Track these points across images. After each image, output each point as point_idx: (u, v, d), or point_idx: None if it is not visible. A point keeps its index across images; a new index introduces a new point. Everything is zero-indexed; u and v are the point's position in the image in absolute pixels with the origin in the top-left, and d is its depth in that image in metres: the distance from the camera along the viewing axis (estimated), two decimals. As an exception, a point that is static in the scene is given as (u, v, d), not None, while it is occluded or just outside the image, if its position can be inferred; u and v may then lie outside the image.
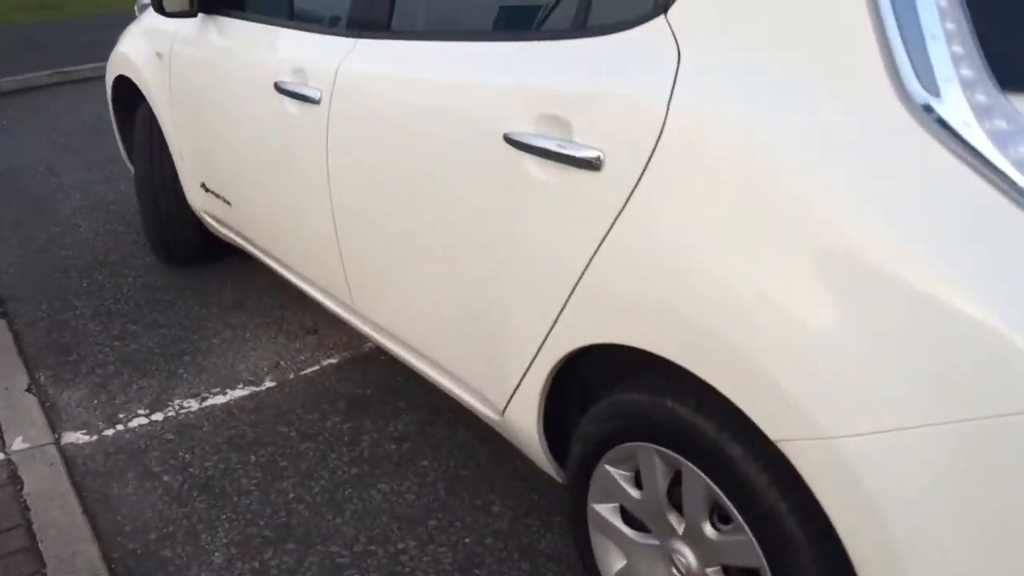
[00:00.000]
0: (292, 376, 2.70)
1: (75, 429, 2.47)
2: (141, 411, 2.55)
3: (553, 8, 1.58)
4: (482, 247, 1.66)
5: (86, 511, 2.13)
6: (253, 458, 2.32)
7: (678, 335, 1.29)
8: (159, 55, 2.92)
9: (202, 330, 2.99)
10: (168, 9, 2.55)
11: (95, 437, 2.44)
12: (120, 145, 3.62)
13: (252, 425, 2.45)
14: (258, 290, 3.27)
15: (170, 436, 2.42)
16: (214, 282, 3.35)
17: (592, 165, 1.38)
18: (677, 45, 1.31)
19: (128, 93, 3.33)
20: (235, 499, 2.17)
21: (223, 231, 2.98)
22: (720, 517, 1.40)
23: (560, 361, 1.56)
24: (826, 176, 1.11)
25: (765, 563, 1.29)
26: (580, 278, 1.44)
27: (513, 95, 1.55)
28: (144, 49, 3.03)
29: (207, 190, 2.88)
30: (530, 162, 1.50)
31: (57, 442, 2.41)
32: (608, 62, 1.40)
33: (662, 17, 1.34)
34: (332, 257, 2.21)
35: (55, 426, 2.49)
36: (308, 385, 2.65)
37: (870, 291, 1.07)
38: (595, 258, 1.40)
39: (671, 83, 1.29)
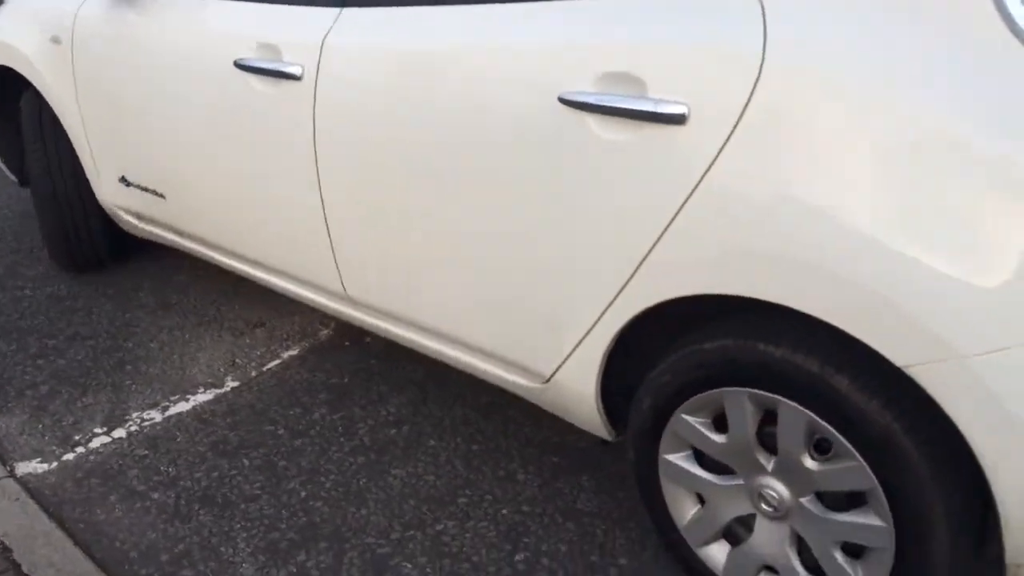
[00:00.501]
0: (255, 373, 2.56)
1: (28, 458, 2.23)
2: (98, 430, 2.33)
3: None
4: (532, 215, 1.63)
5: (77, 543, 1.94)
6: (247, 462, 2.18)
7: (790, 277, 1.33)
8: (55, 40, 2.63)
9: (134, 336, 2.77)
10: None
11: (54, 464, 2.21)
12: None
13: (232, 428, 2.31)
14: (180, 288, 3.05)
15: (143, 451, 2.24)
16: (127, 285, 3.09)
17: (677, 119, 1.39)
18: None
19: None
20: (243, 506, 2.04)
21: (147, 228, 2.75)
22: (816, 447, 1.47)
23: (633, 319, 1.57)
24: (941, 104, 1.18)
25: (877, 482, 1.37)
26: (664, 232, 1.45)
27: (564, 56, 1.52)
28: (33, 36, 2.72)
29: (128, 184, 2.65)
30: (595, 122, 1.49)
31: (12, 474, 2.17)
32: (681, 15, 1.40)
33: None
34: (318, 243, 2.10)
35: (3, 458, 2.23)
36: (277, 380, 2.52)
37: (995, 210, 1.15)
38: (682, 211, 1.42)
39: (761, 28, 1.31)
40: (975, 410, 1.22)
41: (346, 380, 2.50)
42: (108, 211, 2.85)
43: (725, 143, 1.35)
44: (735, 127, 1.34)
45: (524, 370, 1.84)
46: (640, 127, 1.44)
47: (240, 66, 2.06)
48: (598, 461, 2.13)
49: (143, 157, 2.53)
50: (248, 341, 2.72)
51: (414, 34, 1.77)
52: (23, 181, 3.35)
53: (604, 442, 2.10)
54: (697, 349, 1.52)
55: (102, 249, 3.04)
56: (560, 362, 1.73)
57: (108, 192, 2.75)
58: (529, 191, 1.62)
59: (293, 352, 2.66)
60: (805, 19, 1.29)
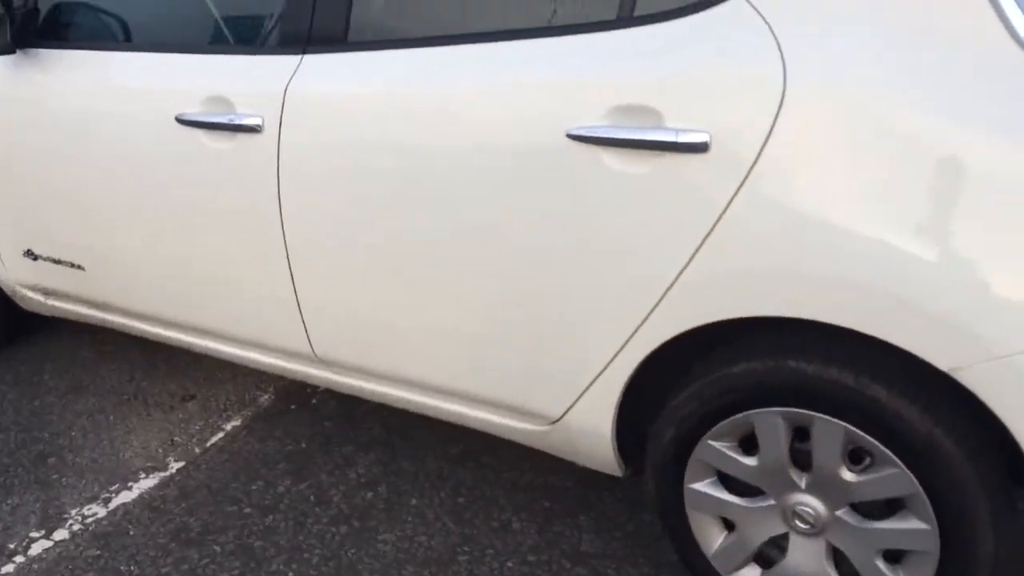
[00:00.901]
0: (199, 450, 2.37)
1: (-45, 577, 1.97)
2: (35, 533, 2.08)
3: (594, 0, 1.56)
4: (538, 257, 1.60)
5: (42, 666, 1.72)
6: (218, 548, 2.00)
7: (827, 294, 1.36)
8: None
9: (49, 425, 2.50)
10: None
11: (-11, 579, 1.96)
12: None
13: (190, 513, 2.12)
14: (89, 366, 2.80)
15: (94, 552, 2.02)
16: (28, 369, 2.80)
17: (699, 147, 1.39)
18: (764, 19, 1.36)
19: None
20: (225, 597, 1.87)
21: (56, 304, 2.51)
22: (850, 458, 1.50)
23: (654, 351, 1.56)
24: (964, 119, 1.24)
25: (920, 487, 1.41)
26: (690, 259, 1.45)
27: (570, 91, 1.51)
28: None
29: (35, 258, 2.41)
30: (608, 156, 1.48)
31: (-59, 599, 1.90)
32: (692, 45, 1.42)
33: None
34: (282, 303, 1.98)
35: (-75, 581, 1.96)
36: (227, 455, 2.34)
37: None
38: (710, 236, 1.42)
39: (778, 55, 1.34)
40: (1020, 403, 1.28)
41: (303, 446, 2.35)
42: (6, 290, 2.59)
43: (752, 167, 1.37)
44: (761, 151, 1.36)
45: (526, 414, 1.79)
46: (659, 158, 1.44)
47: (184, 121, 1.92)
48: (589, 500, 2.10)
49: (57, 227, 2.31)
50: (181, 416, 2.52)
51: (391, 77, 1.71)
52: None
53: (614, 478, 2.07)
54: (724, 375, 1.53)
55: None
56: (572, 402, 1.70)
57: (8, 268, 2.50)
58: (534, 231, 1.59)
59: (236, 423, 2.48)
60: (816, 40, 1.33)
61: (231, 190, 1.93)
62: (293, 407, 2.54)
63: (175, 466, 2.31)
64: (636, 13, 1.50)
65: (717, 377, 1.53)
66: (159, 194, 2.05)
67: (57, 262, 2.37)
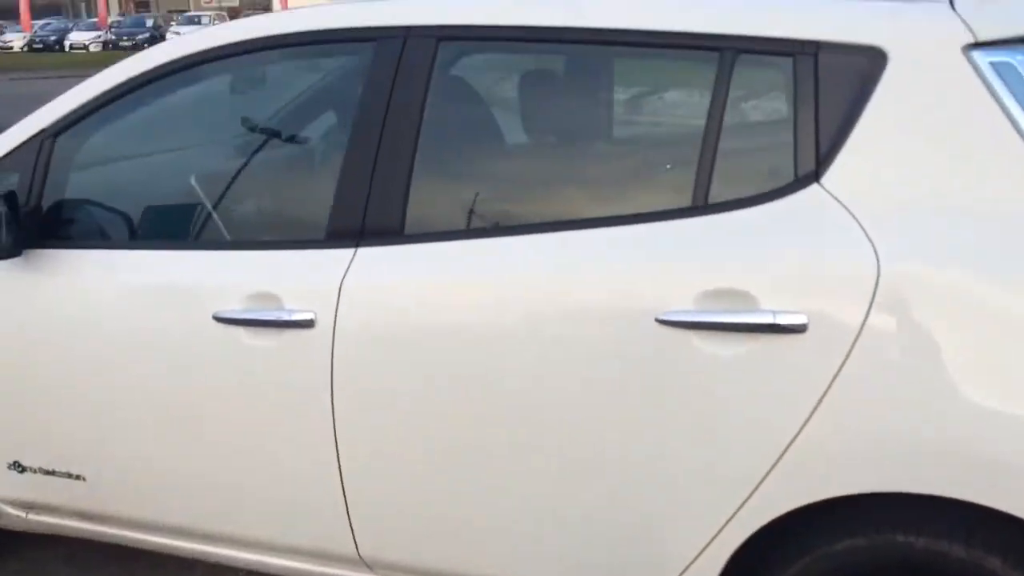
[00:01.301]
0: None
1: None
2: None
3: (663, 189, 1.63)
4: (625, 443, 1.58)
5: None
6: None
7: (934, 467, 1.38)
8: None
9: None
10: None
11: None
12: None
13: None
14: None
15: None
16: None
17: (796, 329, 1.43)
18: (845, 208, 1.45)
19: None
20: None
21: (40, 519, 2.29)
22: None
23: (756, 531, 1.53)
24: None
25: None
26: (793, 439, 1.46)
27: (655, 277, 1.55)
28: None
29: (22, 470, 2.21)
30: (699, 339, 1.50)
31: None
32: (776, 231, 1.48)
33: (816, 185, 1.48)
34: (326, 503, 1.87)
35: None
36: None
37: None
38: (812, 417, 1.44)
39: (865, 238, 1.42)
40: None
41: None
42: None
43: (852, 347, 1.41)
44: (860, 331, 1.41)
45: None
46: (755, 338, 1.47)
47: (223, 319, 1.85)
48: None
49: (54, 437, 2.14)
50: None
51: (454, 269, 1.71)
52: None
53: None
54: (825, 553, 1.51)
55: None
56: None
57: (-10, 484, 2.28)
58: (618, 420, 1.58)
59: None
60: (901, 225, 1.42)
61: (273, 387, 1.85)
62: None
63: None
64: (711, 201, 1.56)
65: (818, 557, 1.52)
66: (186, 396, 1.95)
67: (49, 473, 2.18)
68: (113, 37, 35.14)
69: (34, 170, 2.13)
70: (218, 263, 1.93)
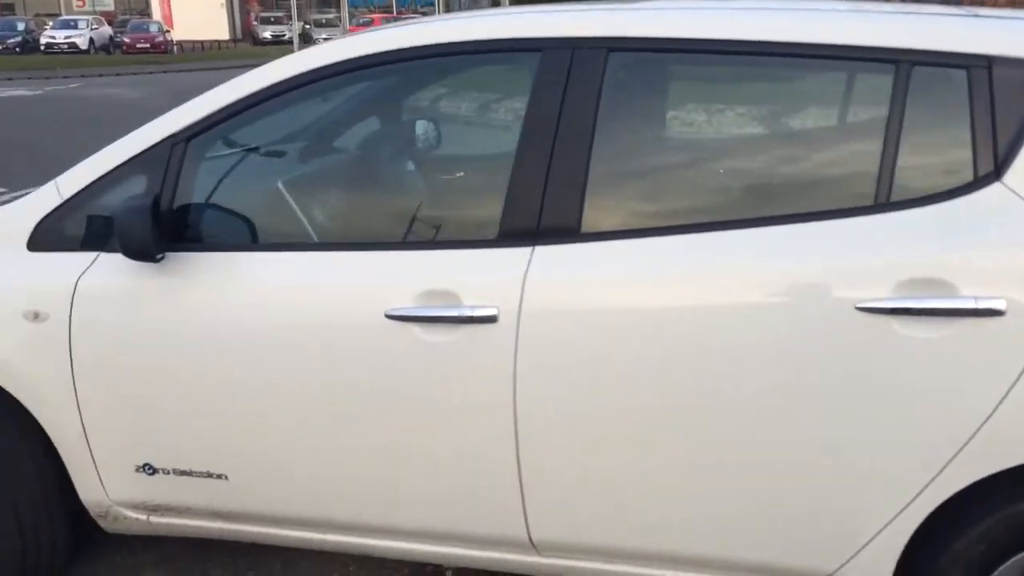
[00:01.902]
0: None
1: None
2: None
3: (845, 189, 1.76)
4: (826, 421, 1.71)
5: None
6: None
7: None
8: (37, 315, 2.16)
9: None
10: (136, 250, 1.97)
11: None
12: None
13: None
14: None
15: None
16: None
17: (996, 313, 1.59)
18: None
19: None
20: None
21: (164, 521, 2.27)
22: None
23: (951, 496, 1.69)
24: None
25: None
26: (994, 409, 1.62)
27: (852, 269, 1.68)
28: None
29: (153, 472, 2.19)
30: (899, 324, 1.65)
31: None
32: (969, 226, 1.64)
33: (998, 183, 1.65)
34: (499, 489, 1.94)
35: None
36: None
37: None
38: (1011, 391, 1.60)
39: None
40: None
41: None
42: (96, 511, 2.31)
43: (1045, 328, 1.58)
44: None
45: (787, 574, 1.84)
46: (953, 322, 1.62)
47: (396, 317, 1.90)
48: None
49: (191, 439, 2.13)
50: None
51: (637, 266, 1.80)
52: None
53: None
54: (1016, 511, 1.68)
55: (59, 564, 2.42)
56: (851, 555, 1.77)
57: (113, 487, 2.24)
58: (819, 396, 1.71)
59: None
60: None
61: (448, 381, 1.91)
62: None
63: None
64: (893, 199, 1.71)
65: (1008, 515, 1.68)
66: (351, 392, 1.98)
67: (186, 474, 2.17)
68: (-19, 42, 33.23)
69: (165, 174, 2.11)
70: (387, 262, 1.96)
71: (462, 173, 2.13)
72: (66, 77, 22.90)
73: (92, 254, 2.16)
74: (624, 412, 1.83)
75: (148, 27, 34.43)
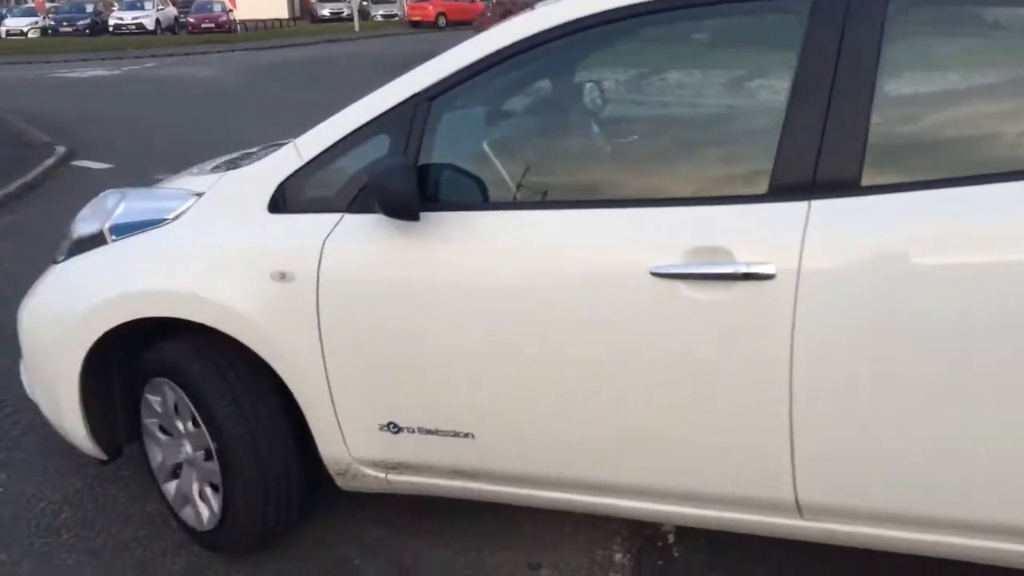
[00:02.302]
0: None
1: None
2: None
3: None
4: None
5: None
6: None
7: None
8: (283, 276, 2.20)
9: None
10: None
11: None
12: (84, 426, 2.56)
13: None
14: (406, 546, 2.56)
15: None
16: (329, 555, 2.53)
17: None
18: None
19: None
20: None
21: (403, 479, 2.31)
22: None
23: None
24: None
25: None
26: None
27: None
28: (233, 276, 2.24)
29: (397, 431, 2.23)
30: None
31: None
32: None
33: None
34: (766, 450, 1.92)
35: None
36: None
37: None
38: None
39: None
40: None
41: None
42: (336, 469, 2.36)
43: None
44: None
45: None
46: None
47: (662, 274, 1.88)
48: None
49: (440, 397, 2.16)
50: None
51: (921, 221, 1.75)
52: (113, 455, 2.68)
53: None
54: None
55: (294, 518, 2.49)
56: None
57: (355, 445, 2.29)
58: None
59: (610, 586, 2.33)
60: None
61: (718, 338, 1.89)
62: (660, 563, 2.42)
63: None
64: None
65: None
66: (609, 350, 1.97)
67: (431, 432, 2.20)
68: (52, 23, 33.93)
69: (409, 133, 2.12)
70: (651, 219, 1.94)
71: (726, 125, 2.08)
72: (138, 57, 23.39)
73: (336, 215, 2.19)
74: (910, 374, 1.78)
75: (212, 7, 34.82)
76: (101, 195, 2.69)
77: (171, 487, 2.62)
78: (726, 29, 2.10)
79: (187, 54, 24.26)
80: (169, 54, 24.25)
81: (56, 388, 2.53)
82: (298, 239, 2.20)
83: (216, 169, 2.71)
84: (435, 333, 2.11)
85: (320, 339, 2.20)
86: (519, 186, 2.11)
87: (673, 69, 2.22)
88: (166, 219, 2.41)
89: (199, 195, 2.40)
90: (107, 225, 2.48)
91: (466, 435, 2.18)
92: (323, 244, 2.17)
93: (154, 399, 2.54)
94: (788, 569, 2.34)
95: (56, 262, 2.67)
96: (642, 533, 2.55)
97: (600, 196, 2.04)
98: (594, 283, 1.97)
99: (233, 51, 25.00)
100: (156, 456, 2.63)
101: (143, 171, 8.22)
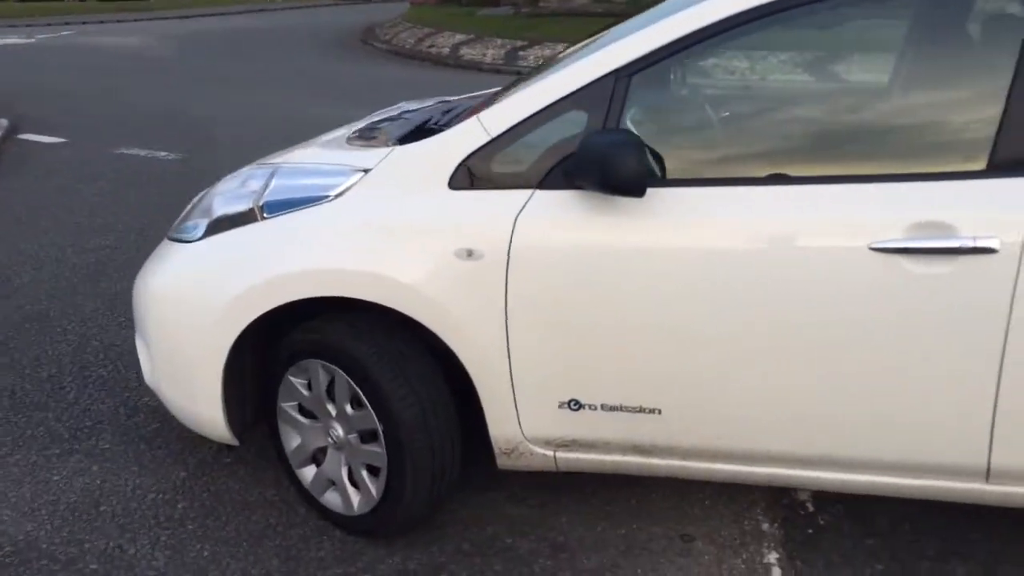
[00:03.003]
0: (778, 589, 2.26)
1: None
2: None
3: None
4: None
5: None
6: None
7: None
8: (470, 254, 2.16)
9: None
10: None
11: None
12: (223, 412, 2.46)
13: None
14: (556, 525, 2.56)
15: None
16: (478, 535, 2.51)
17: None
18: None
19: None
20: None
21: (579, 457, 2.30)
22: None
23: None
24: None
25: None
26: None
27: None
28: (410, 253, 2.19)
29: (578, 407, 2.22)
30: None
31: None
32: None
33: None
34: (972, 419, 2.00)
35: None
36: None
37: None
38: None
39: None
40: None
41: (880, 567, 2.32)
42: (504, 447, 2.34)
43: None
44: None
45: None
46: None
47: (882, 249, 1.93)
48: None
49: (635, 374, 2.16)
50: (703, 559, 2.39)
51: None
52: (242, 440, 2.59)
53: None
54: None
55: (445, 494, 2.47)
56: None
57: (529, 423, 2.27)
58: None
59: (770, 557, 2.39)
60: None
61: (936, 312, 1.95)
62: (809, 531, 2.49)
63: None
64: None
65: None
66: (828, 325, 2.01)
67: (614, 409, 2.20)
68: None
69: (608, 109, 2.11)
70: (869, 195, 1.98)
71: (946, 100, 2.11)
72: (50, 24, 22.22)
73: (526, 192, 2.16)
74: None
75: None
76: (240, 172, 2.58)
77: (307, 472, 2.55)
78: (945, 1, 2.13)
79: (102, 22, 23.14)
80: (83, 22, 23.06)
81: (194, 374, 2.43)
82: (486, 216, 2.16)
83: (351, 142, 2.63)
84: (635, 310, 2.11)
85: (505, 317, 2.17)
86: (722, 164, 2.12)
87: (891, 43, 2.24)
88: (327, 195, 2.32)
89: (364, 171, 2.32)
90: (260, 202, 2.38)
91: (652, 411, 2.19)
92: (515, 220, 2.13)
93: (298, 381, 2.45)
94: (930, 529, 2.44)
95: (176, 239, 2.54)
96: (779, 503, 2.62)
97: (813, 173, 2.06)
98: (813, 259, 2.00)
99: (151, 19, 23.98)
100: (291, 441, 2.55)
101: (103, 145, 7.87)
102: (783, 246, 2.01)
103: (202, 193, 2.74)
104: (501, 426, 2.30)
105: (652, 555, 2.41)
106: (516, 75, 12.30)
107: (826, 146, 2.16)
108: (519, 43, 14.89)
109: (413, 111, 3.11)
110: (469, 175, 2.20)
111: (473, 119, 2.24)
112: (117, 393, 3.35)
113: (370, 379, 2.27)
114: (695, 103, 2.21)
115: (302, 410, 2.51)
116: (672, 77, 2.18)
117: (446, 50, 15.31)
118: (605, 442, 2.27)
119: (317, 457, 2.53)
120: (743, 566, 2.35)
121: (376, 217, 2.25)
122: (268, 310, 2.29)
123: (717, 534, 2.49)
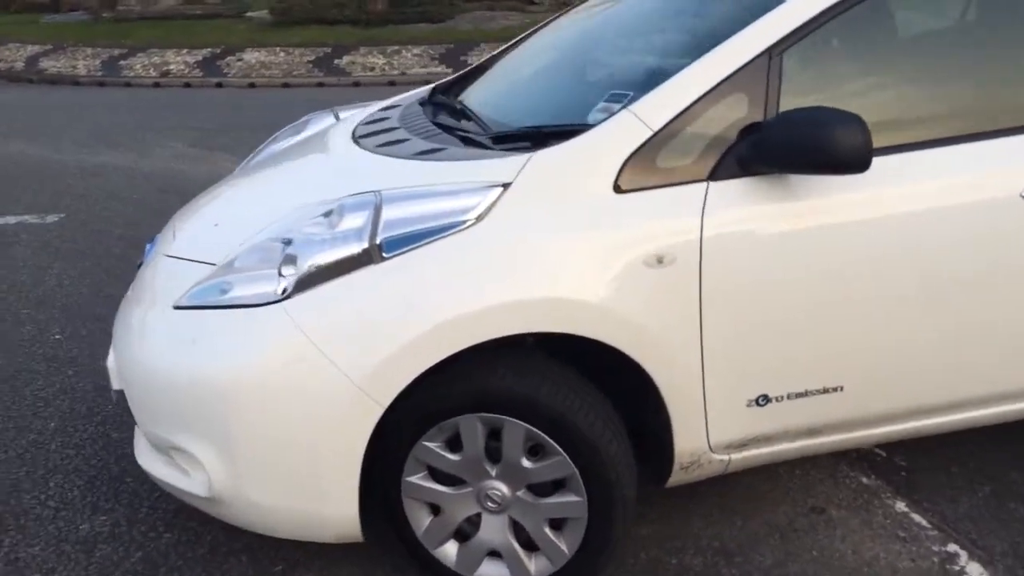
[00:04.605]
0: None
1: None
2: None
3: None
4: None
5: None
6: None
7: None
8: (660, 260, 1.96)
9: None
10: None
11: None
12: (356, 507, 2.00)
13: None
14: (738, 524, 2.42)
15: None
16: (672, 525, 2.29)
17: None
18: None
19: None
20: None
21: (753, 453, 2.21)
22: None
23: None
24: None
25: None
26: None
27: None
28: (594, 271, 1.93)
29: (766, 402, 2.14)
30: None
31: None
32: None
33: None
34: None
35: None
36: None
37: None
38: None
39: None
40: None
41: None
42: (686, 461, 2.15)
43: None
44: None
45: None
46: None
47: (1034, 195, 2.12)
48: None
49: (819, 356, 2.14)
50: (844, 530, 2.44)
51: None
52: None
53: None
54: None
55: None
56: None
57: (717, 430, 2.12)
58: None
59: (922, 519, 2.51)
60: None
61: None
62: (903, 474, 2.65)
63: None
64: None
65: None
66: (986, 272, 2.15)
67: (801, 395, 2.16)
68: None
69: (767, 88, 2.05)
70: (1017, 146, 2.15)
71: None
72: None
73: (699, 185, 2.01)
74: None
75: None
76: (313, 207, 2.06)
77: (449, 550, 2.15)
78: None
79: None
80: None
81: (320, 470, 1.94)
82: (670, 217, 1.99)
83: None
84: (830, 289, 2.08)
85: (700, 321, 2.02)
86: (886, 132, 2.12)
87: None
88: (465, 220, 1.96)
89: (504, 185, 1.99)
90: (378, 240, 1.93)
91: (835, 389, 2.18)
92: (702, 217, 1.99)
93: (435, 446, 2.05)
94: (985, 452, 2.72)
95: (229, 306, 1.98)
96: (852, 459, 2.73)
97: (973, 130, 2.16)
98: (970, 211, 2.12)
99: None
100: (422, 519, 2.13)
101: None
102: (947, 204, 2.12)
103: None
104: (688, 439, 2.13)
105: (806, 534, 2.40)
106: (126, 86, 11.35)
107: (978, 102, 2.27)
108: (117, 51, 13.64)
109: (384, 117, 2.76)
110: (634, 175, 2.00)
111: (625, 113, 2.04)
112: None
113: (561, 421, 1.97)
114: (851, 73, 2.22)
115: (436, 479, 2.11)
116: (824, 48, 2.16)
117: (20, 64, 13.53)
118: (785, 431, 2.21)
119: (463, 530, 2.14)
120: (887, 521, 2.44)
121: (540, 236, 1.96)
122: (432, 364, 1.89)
123: (839, 501, 2.54)
